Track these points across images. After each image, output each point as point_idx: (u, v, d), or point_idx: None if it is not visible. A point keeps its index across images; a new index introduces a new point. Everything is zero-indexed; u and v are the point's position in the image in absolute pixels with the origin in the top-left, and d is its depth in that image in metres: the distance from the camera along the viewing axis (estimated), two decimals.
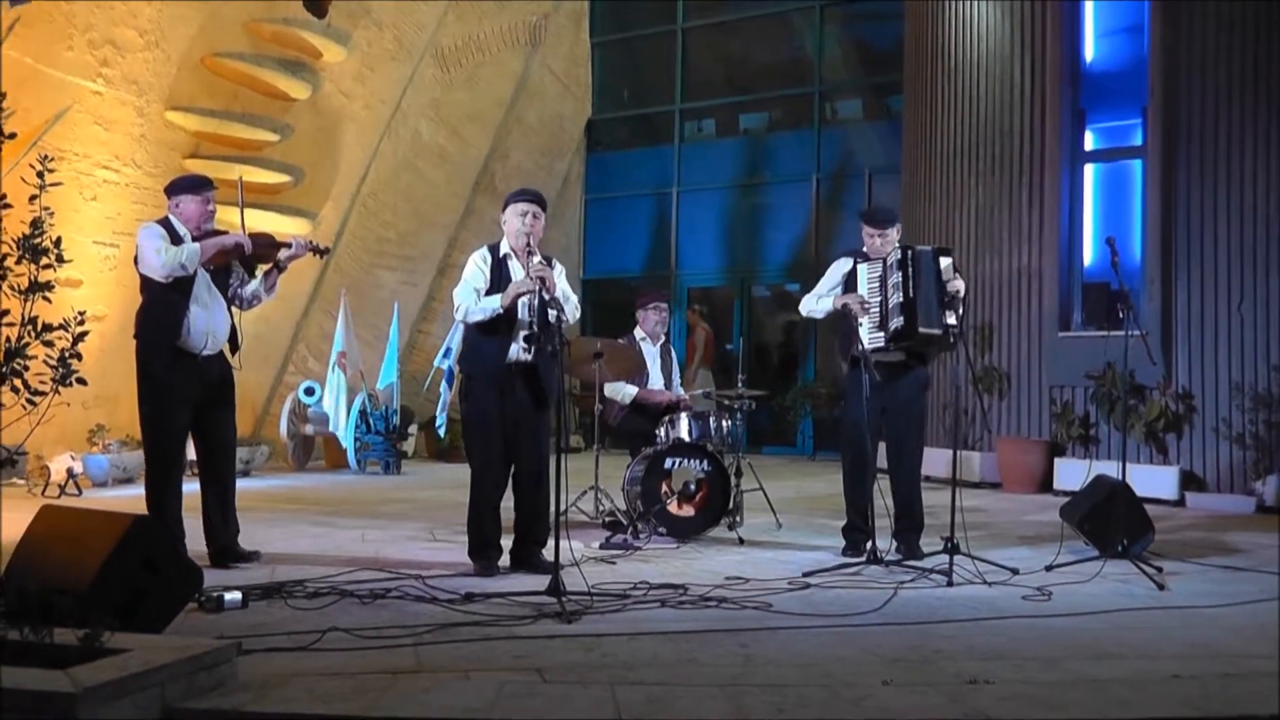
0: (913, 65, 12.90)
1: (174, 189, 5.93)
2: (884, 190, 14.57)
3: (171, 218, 5.83)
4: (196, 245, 5.68)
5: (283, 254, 5.98)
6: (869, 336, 6.22)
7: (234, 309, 5.99)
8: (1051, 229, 10.65)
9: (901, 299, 6.13)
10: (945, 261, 6.28)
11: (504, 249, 5.85)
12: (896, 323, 6.15)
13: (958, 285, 6.25)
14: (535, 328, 5.55)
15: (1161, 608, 5.01)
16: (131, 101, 10.51)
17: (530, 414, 5.77)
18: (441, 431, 11.70)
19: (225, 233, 5.97)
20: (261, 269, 6.08)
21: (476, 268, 5.81)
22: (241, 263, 6.01)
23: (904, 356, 6.34)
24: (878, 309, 6.24)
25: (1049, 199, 10.69)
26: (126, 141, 10.54)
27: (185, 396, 5.72)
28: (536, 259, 5.58)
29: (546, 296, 5.44)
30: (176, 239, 5.72)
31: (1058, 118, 10.66)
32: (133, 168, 10.63)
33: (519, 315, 5.67)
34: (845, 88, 16.27)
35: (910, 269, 6.15)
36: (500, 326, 5.69)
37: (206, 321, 5.72)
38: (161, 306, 5.67)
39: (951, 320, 6.24)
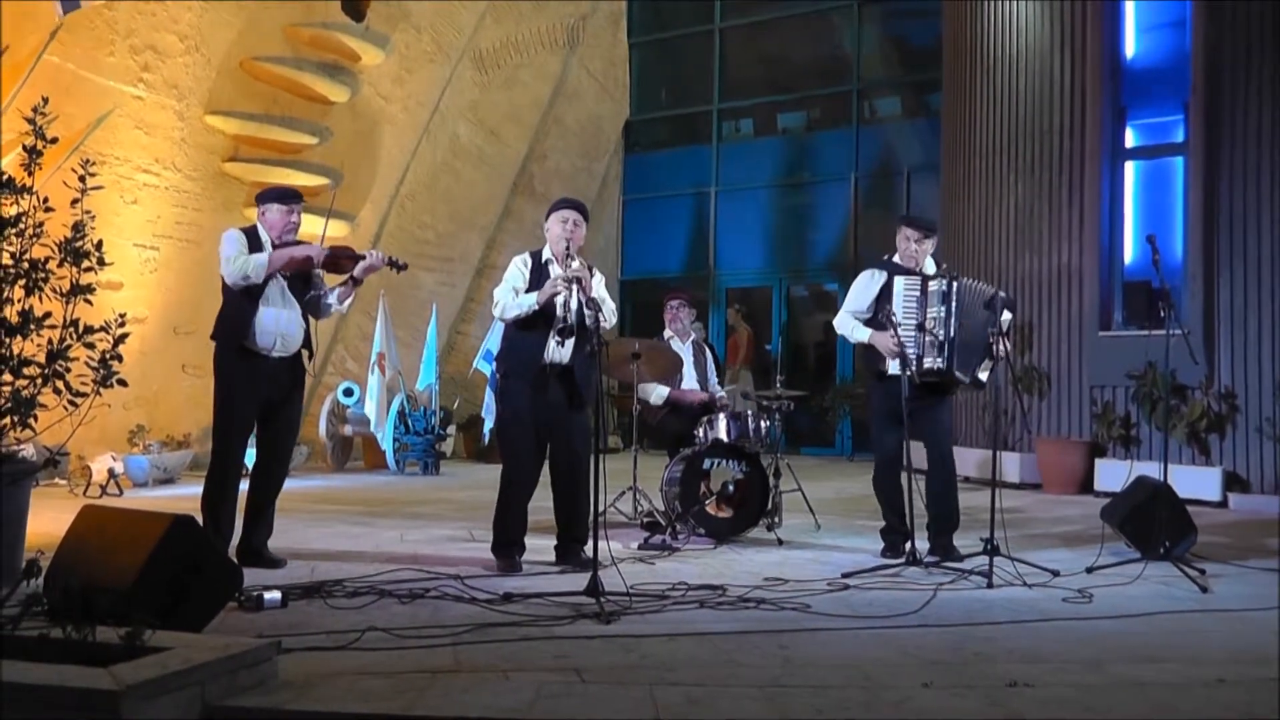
0: (951, 62, 12.81)
1: (264, 198, 6.06)
2: (923, 189, 14.51)
3: (259, 225, 5.95)
4: (265, 257, 5.76)
5: (358, 268, 6.02)
6: (893, 365, 6.09)
7: (309, 316, 6.05)
8: (1092, 227, 10.54)
9: (943, 338, 6.06)
10: (1006, 315, 6.19)
11: (546, 255, 5.96)
12: (933, 362, 6.07)
13: (1003, 346, 6.05)
14: (569, 320, 5.69)
15: (1204, 611, 4.94)
16: (172, 106, 10.62)
17: (564, 414, 5.83)
18: (488, 434, 11.82)
19: (303, 244, 6.04)
20: (335, 279, 6.14)
21: (517, 269, 5.93)
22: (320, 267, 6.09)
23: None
24: (912, 334, 6.09)
25: (1089, 196, 10.58)
26: (167, 145, 10.65)
27: (252, 395, 5.81)
28: (575, 263, 5.66)
29: (584, 297, 5.51)
30: (257, 245, 5.84)
31: (1098, 114, 10.55)
32: (173, 171, 10.74)
33: (556, 314, 5.75)
34: (884, 86, 16.20)
35: (955, 303, 6.06)
36: (537, 325, 5.78)
37: (275, 323, 5.79)
38: (234, 308, 5.79)
39: (984, 376, 6.20)
